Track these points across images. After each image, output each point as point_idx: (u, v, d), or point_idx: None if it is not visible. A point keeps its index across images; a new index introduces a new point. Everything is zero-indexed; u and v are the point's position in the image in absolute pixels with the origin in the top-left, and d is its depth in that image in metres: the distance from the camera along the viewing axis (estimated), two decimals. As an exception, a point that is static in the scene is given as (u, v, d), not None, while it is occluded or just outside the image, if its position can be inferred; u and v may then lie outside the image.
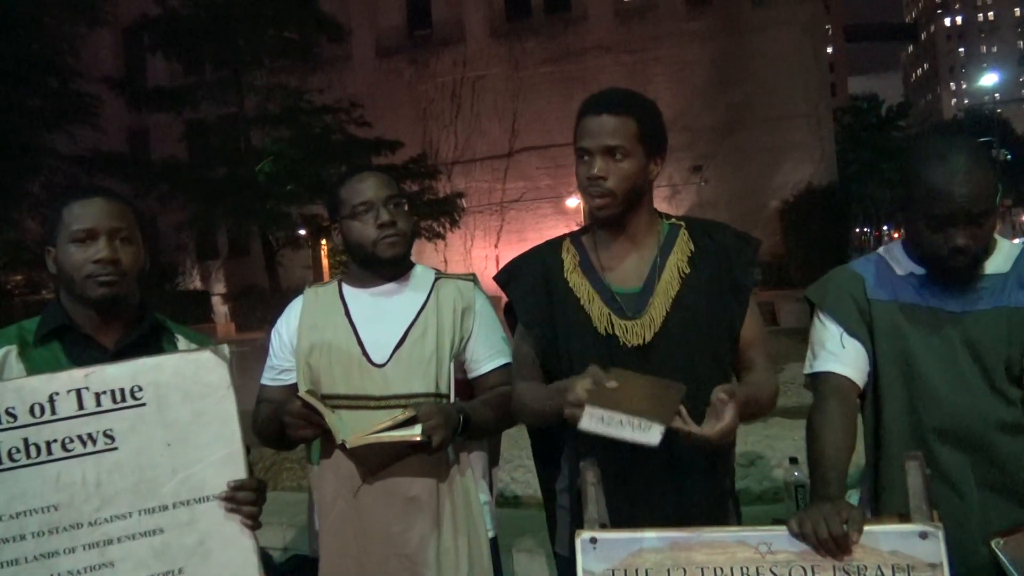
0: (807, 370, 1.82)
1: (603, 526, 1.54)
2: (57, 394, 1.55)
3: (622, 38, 27.06)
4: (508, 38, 28.12)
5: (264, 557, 3.34)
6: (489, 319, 2.07)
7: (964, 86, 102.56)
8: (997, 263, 1.75)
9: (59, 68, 17.99)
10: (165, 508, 1.58)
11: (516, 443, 4.10)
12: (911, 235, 1.77)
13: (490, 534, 2.04)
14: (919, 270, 1.80)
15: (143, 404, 1.59)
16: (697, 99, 25.87)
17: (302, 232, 22.53)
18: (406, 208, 2.05)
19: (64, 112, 18.17)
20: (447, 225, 23.06)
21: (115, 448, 1.57)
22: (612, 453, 1.62)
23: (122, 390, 1.58)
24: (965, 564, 1.55)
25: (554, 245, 1.90)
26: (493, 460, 2.15)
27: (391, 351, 1.96)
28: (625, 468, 1.67)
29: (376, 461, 1.91)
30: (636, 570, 1.49)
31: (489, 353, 2.04)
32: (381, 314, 2.01)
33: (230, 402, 1.63)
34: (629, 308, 1.74)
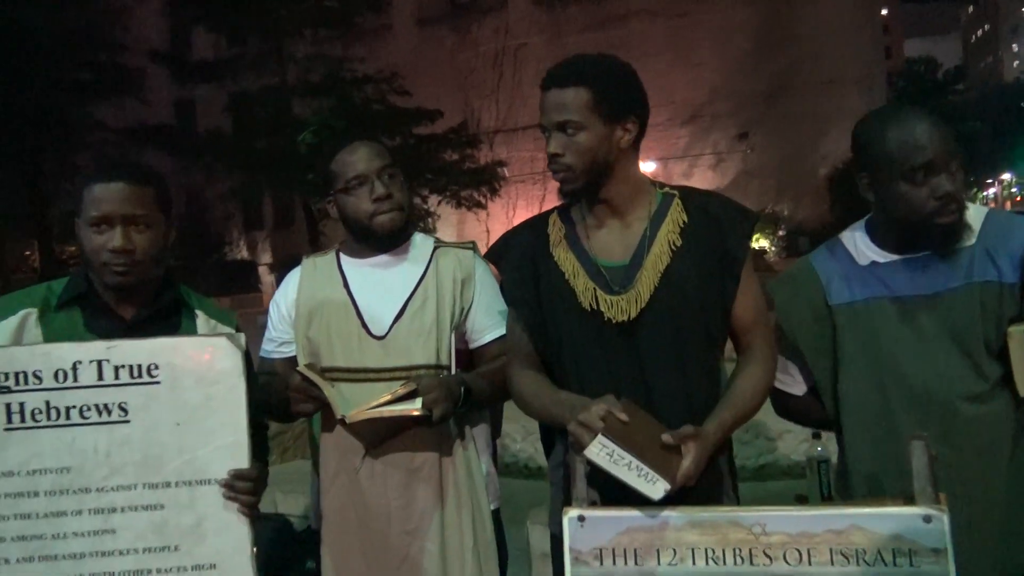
0: None
1: (593, 504, 1.49)
2: (80, 362, 1.60)
3: (665, 3, 26.50)
4: (550, 5, 27.78)
5: (284, 524, 3.39)
6: (490, 288, 2.02)
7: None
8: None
9: (107, 42, 18.31)
10: (168, 485, 1.61)
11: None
12: (888, 207, 1.71)
13: (492, 506, 2.01)
14: (883, 257, 1.75)
15: (158, 382, 1.62)
16: (743, 64, 25.27)
17: (344, 203, 22.68)
18: (401, 177, 2.01)
19: (112, 85, 18.51)
20: (487, 195, 23.01)
21: (127, 421, 1.60)
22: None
23: (140, 366, 1.62)
24: None
25: (541, 219, 1.84)
26: (495, 431, 2.12)
27: (390, 323, 1.93)
28: None
29: (376, 435, 1.89)
30: (625, 550, 1.45)
31: (490, 323, 2.00)
32: (380, 285, 1.98)
33: (240, 391, 1.64)
34: (615, 282, 1.67)
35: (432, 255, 2.02)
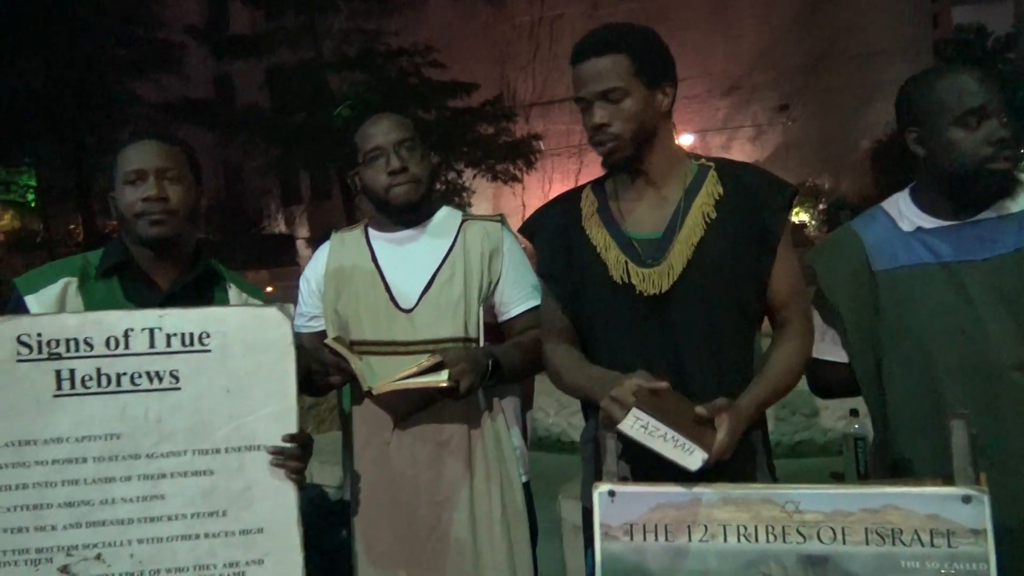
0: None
1: (623, 479, 1.48)
2: (132, 330, 1.61)
3: (705, -29, 25.94)
4: (587, -26, 27.35)
5: (320, 494, 3.43)
6: (518, 260, 2.01)
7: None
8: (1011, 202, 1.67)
9: (144, 17, 18.47)
10: (217, 451, 1.63)
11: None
12: (939, 157, 1.67)
13: (523, 479, 2.01)
14: (929, 222, 1.71)
15: (209, 350, 1.63)
16: (784, 33, 24.71)
17: (379, 176, 22.68)
18: (422, 150, 1.99)
19: (150, 61, 18.70)
20: (523, 168, 22.89)
21: (178, 388, 1.62)
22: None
23: (191, 334, 1.63)
24: None
25: (575, 193, 1.81)
26: (527, 404, 2.11)
27: (418, 296, 1.93)
28: None
29: (404, 407, 1.89)
30: (656, 526, 1.44)
31: (519, 296, 1.99)
32: (408, 259, 1.98)
33: (289, 360, 1.66)
34: (647, 255, 1.64)
35: (460, 228, 2.01)
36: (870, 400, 1.77)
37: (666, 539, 1.43)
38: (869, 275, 1.73)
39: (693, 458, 1.39)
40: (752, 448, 1.66)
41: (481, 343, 1.93)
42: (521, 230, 1.86)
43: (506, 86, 27.05)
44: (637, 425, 1.40)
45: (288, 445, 1.64)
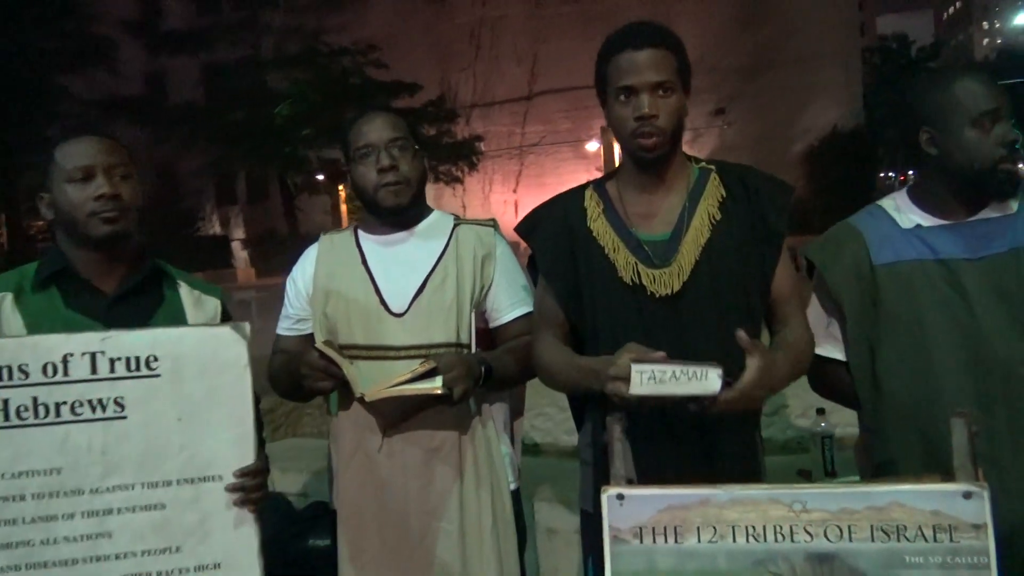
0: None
1: (630, 482, 1.48)
2: (71, 355, 1.52)
3: (645, -24, 26.32)
4: (528, -24, 27.44)
5: (284, 504, 3.35)
6: (511, 266, 1.99)
7: (998, 25, 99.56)
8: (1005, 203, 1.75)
9: (75, 10, 17.87)
10: (169, 484, 1.54)
11: (539, 391, 4.05)
12: (953, 156, 1.71)
13: (512, 486, 2.00)
14: (927, 220, 1.76)
15: (157, 375, 1.55)
16: (721, 39, 25.25)
17: (320, 177, 22.43)
18: (414, 151, 1.96)
19: (80, 55, 18.11)
20: (465, 169, 22.89)
21: (124, 417, 1.53)
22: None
23: (137, 358, 1.54)
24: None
25: (576, 193, 1.81)
26: (516, 411, 2.10)
27: (410, 300, 1.90)
28: (653, 422, 1.61)
29: (396, 414, 1.86)
30: (664, 528, 1.43)
31: (511, 302, 1.97)
32: (399, 262, 1.95)
33: (245, 382, 1.59)
34: (657, 256, 1.66)
35: (452, 232, 1.98)
36: (863, 392, 1.80)
37: (675, 541, 1.43)
38: (869, 268, 1.77)
39: (710, 380, 1.40)
40: (754, 446, 1.69)
41: (473, 349, 1.90)
42: (517, 229, 1.85)
43: (448, 87, 26.96)
44: (644, 379, 1.40)
45: (245, 480, 1.57)
